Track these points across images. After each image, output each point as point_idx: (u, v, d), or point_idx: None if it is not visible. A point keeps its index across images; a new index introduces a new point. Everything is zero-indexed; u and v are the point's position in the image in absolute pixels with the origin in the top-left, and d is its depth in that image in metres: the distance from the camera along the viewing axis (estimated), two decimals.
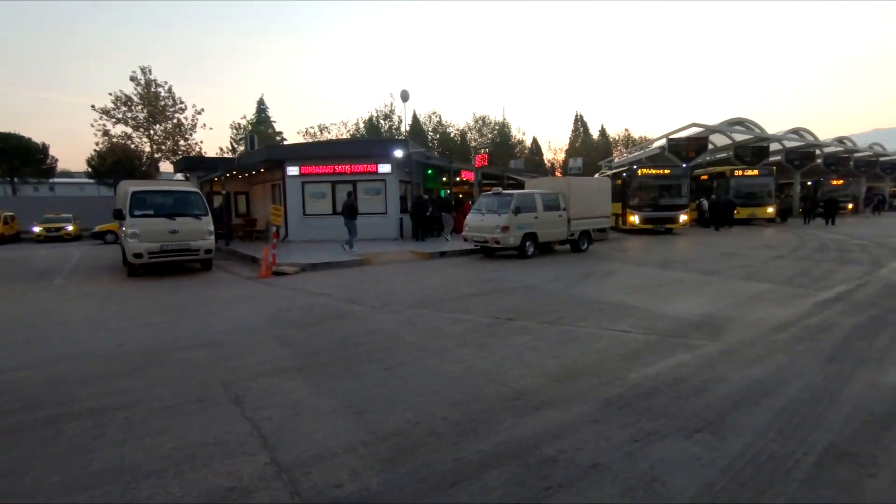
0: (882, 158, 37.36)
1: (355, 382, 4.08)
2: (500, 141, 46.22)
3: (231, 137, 42.05)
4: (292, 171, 17.34)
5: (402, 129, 41.31)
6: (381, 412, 3.49)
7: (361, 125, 44.47)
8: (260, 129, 42.53)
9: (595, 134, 56.38)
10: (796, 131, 30.64)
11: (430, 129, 46.53)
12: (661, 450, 2.91)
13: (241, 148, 34.94)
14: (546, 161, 54.15)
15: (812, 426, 3.16)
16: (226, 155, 39.03)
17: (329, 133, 42.97)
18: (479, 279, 9.31)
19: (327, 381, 4.12)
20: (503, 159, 39.48)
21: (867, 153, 35.71)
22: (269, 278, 10.00)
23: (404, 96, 18.77)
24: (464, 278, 9.48)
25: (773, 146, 29.14)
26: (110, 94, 30.51)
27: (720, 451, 2.87)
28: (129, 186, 11.11)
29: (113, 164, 31.74)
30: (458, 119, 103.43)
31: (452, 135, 46.63)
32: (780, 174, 27.42)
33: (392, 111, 43.47)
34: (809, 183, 30.61)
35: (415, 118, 47.36)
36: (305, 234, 17.33)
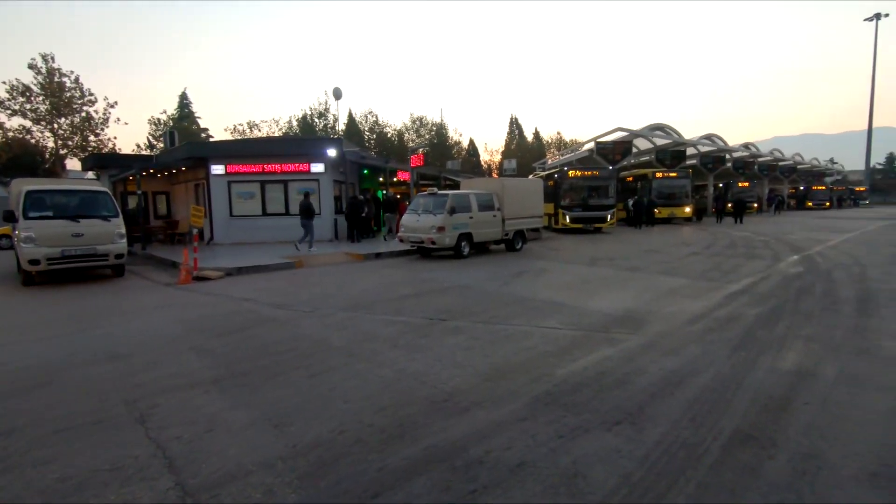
0: (781, 163, 41.48)
1: (277, 392, 3.86)
2: (438, 142, 46.40)
3: (149, 133, 39.11)
4: (217, 169, 16.37)
5: (338, 129, 40.35)
6: (304, 423, 3.31)
7: (295, 123, 42.95)
8: (182, 124, 39.92)
9: (529, 136, 58.10)
10: (709, 137, 33.23)
11: (366, 128, 45.82)
12: (584, 444, 2.96)
13: (161, 145, 32.60)
14: (483, 162, 55.03)
15: (720, 412, 3.36)
16: (143, 152, 36.28)
17: (260, 131, 41.14)
18: (414, 280, 9.23)
19: (246, 393, 3.86)
20: (441, 160, 39.68)
21: (768, 158, 39.48)
22: (189, 284, 9.34)
23: (337, 94, 18.31)
24: (399, 279, 9.35)
25: (689, 150, 31.40)
26: (5, 83, 27.29)
27: (638, 442, 2.97)
28: (24, 185, 9.97)
29: (9, 160, 28.49)
30: (395, 119, 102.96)
31: (389, 135, 46.19)
32: (696, 176, 29.59)
33: (327, 109, 42.34)
34: (721, 185, 33.30)
35: (350, 117, 46.51)
36: (233, 237, 16.43)
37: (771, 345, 4.84)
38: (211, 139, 39.73)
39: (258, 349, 5.01)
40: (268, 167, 16.53)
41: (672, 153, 29.36)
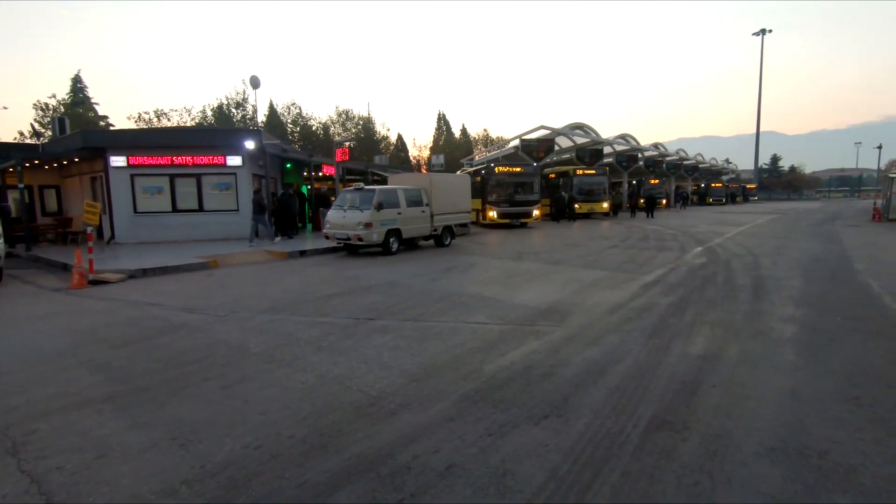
0: (685, 162, 45.16)
1: (184, 407, 3.49)
2: (365, 136, 45.46)
3: (35, 120, 34.75)
4: (118, 161, 14.83)
5: (259, 120, 38.27)
6: (215, 440, 3.01)
7: (209, 113, 40.13)
8: (76, 111, 35.88)
9: (457, 133, 58.60)
10: (623, 137, 35.37)
11: (288, 121, 43.81)
12: (512, 440, 2.94)
13: (49, 133, 29.08)
14: (411, 158, 54.78)
15: (639, 399, 3.50)
16: (27, 140, 32.19)
17: (169, 120, 37.96)
18: (340, 278, 8.91)
19: (147, 411, 3.46)
20: (368, 155, 38.96)
21: (675, 158, 42.79)
22: (83, 289, 8.35)
23: (255, 82, 17.26)
24: (324, 278, 8.98)
25: (606, 149, 33.24)
26: None
27: (564, 434, 3.00)
28: None
29: None
30: (320, 112, 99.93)
31: (314, 128, 44.51)
32: (612, 174, 31.41)
33: (245, 99, 39.92)
34: (634, 182, 35.63)
35: (272, 109, 44.25)
36: (138, 236, 15.00)
37: (681, 331, 5.16)
38: (111, 128, 36.08)
39: (164, 360, 4.54)
40: (178, 159, 15.23)
41: (591, 151, 30.91)
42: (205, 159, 15.42)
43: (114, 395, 3.75)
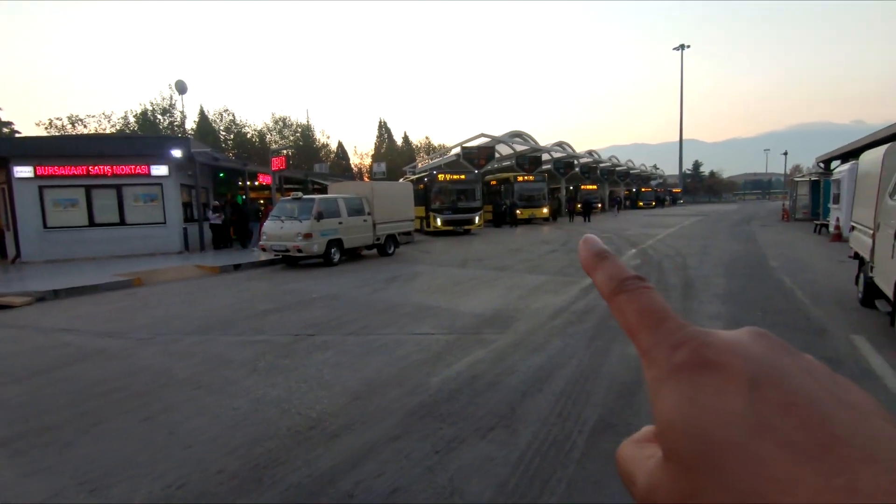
0: (617, 168, 47.51)
1: (96, 447, 3.13)
2: (304, 144, 44.23)
3: None
4: (23, 171, 13.44)
5: (188, 127, 36.25)
6: (131, 481, 2.70)
7: (133, 120, 37.51)
8: None
9: (399, 140, 58.43)
10: (560, 144, 36.66)
11: (221, 128, 41.83)
12: (460, 456, 2.86)
13: None
14: (353, 165, 53.98)
15: (584, 403, 3.53)
16: None
17: (85, 127, 35.08)
18: (277, 292, 8.50)
19: (51, 453, 3.07)
20: (308, 163, 37.93)
21: (608, 164, 44.94)
22: None
23: (181, 87, 16.31)
24: (260, 293, 8.54)
25: (544, 156, 34.30)
26: None
27: (512, 446, 2.95)
28: None
29: None
30: (255, 119, 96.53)
31: (249, 135, 42.78)
32: (550, 180, 32.41)
33: (172, 105, 37.63)
34: (571, 187, 37.00)
35: (203, 115, 42.04)
36: (49, 253, 13.63)
37: (620, 333, 5.31)
38: (17, 135, 32.85)
39: (75, 393, 4.08)
40: (94, 169, 14.02)
41: (530, 158, 31.73)
42: (126, 169, 14.31)
43: (10, 437, 3.31)
